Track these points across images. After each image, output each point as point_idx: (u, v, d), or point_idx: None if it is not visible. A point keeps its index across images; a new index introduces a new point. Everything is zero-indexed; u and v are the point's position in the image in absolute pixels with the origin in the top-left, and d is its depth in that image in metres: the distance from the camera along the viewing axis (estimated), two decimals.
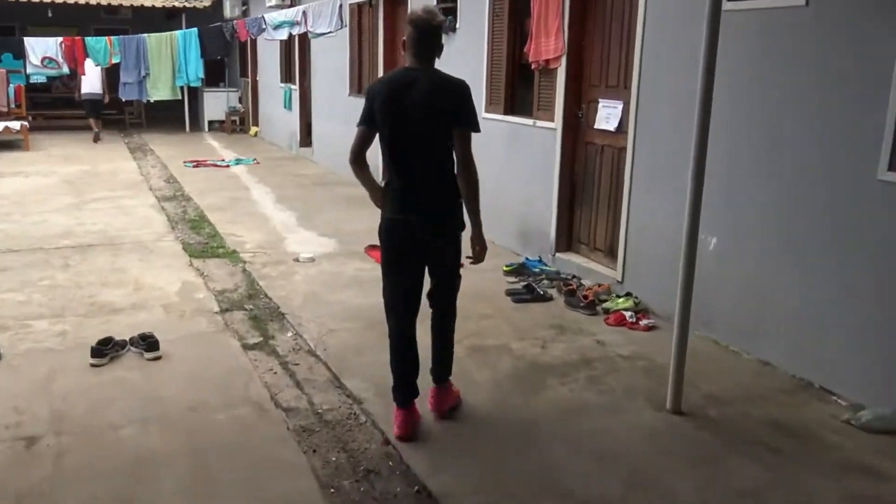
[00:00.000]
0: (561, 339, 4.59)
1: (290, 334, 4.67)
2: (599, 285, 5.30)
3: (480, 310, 5.04)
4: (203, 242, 6.84)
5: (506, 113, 6.56)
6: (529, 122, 6.14)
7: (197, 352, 4.36)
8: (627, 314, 4.79)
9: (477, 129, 3.24)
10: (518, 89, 6.54)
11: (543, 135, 5.96)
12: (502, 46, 6.50)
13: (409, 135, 3.19)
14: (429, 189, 3.23)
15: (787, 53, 4.00)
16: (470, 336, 4.51)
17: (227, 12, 14.61)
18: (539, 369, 4.15)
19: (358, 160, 3.32)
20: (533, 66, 5.98)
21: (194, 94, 16.34)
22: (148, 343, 4.21)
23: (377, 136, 3.27)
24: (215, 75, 17.01)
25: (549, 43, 5.75)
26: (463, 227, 3.34)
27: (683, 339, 3.52)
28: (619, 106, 5.31)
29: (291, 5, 10.90)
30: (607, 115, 5.45)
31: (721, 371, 4.13)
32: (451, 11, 7.31)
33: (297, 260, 6.24)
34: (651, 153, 4.91)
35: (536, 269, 5.87)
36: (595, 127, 5.57)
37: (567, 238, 5.99)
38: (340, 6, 9.13)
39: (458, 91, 3.20)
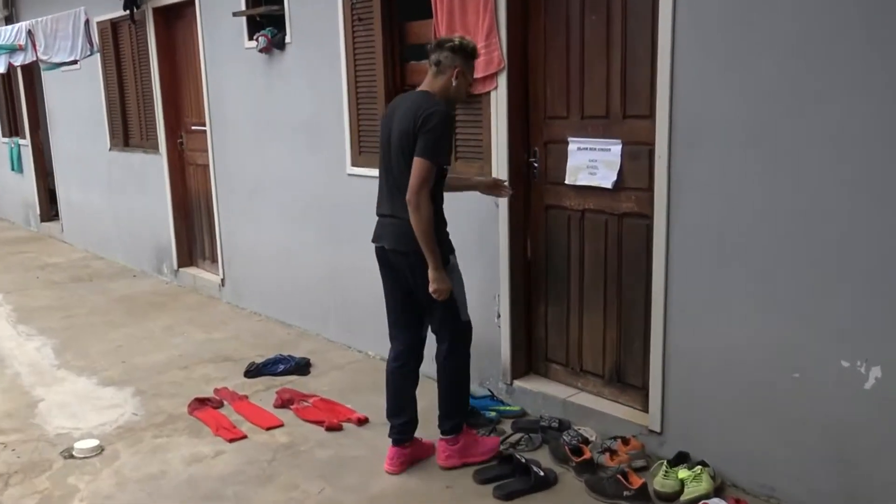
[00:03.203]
0: None
1: None
2: (624, 441, 3.23)
3: None
4: None
5: None
6: None
7: None
8: None
9: (432, 160, 2.90)
10: None
11: (470, 198, 3.77)
12: (373, 66, 4.26)
13: (385, 158, 3.10)
14: (398, 217, 3.02)
15: None
16: None
17: None
18: None
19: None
20: None
21: None
22: None
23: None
24: None
25: None
26: (447, 260, 3.06)
27: None
28: (616, 147, 3.31)
29: (8, 22, 7.71)
30: (591, 164, 3.42)
31: None
32: (274, 20, 4.93)
33: (70, 455, 3.49)
34: (704, 225, 2.94)
35: (492, 414, 3.67)
36: (566, 182, 3.52)
37: (526, 356, 3.87)
38: (87, 22, 6.31)
39: (420, 112, 2.93)
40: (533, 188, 3.71)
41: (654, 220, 3.09)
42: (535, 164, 3.66)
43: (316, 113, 4.72)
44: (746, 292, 2.86)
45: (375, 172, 4.34)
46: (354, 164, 4.50)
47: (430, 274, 2.97)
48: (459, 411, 3.26)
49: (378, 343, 4.57)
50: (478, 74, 3.59)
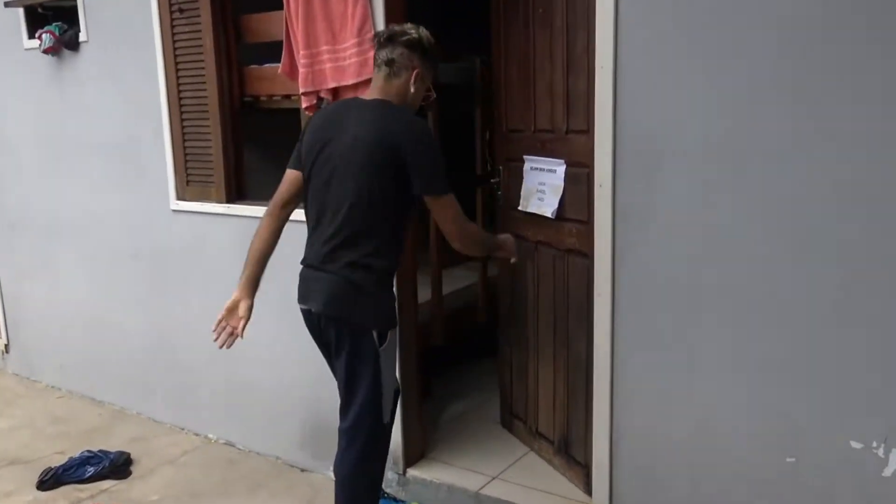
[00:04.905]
0: None
1: None
2: None
3: None
4: None
5: (229, 200, 3.38)
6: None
7: None
8: None
9: (447, 190, 2.21)
10: (253, 153, 3.43)
11: None
12: (201, 71, 3.30)
13: (320, 189, 2.29)
14: (330, 273, 2.25)
15: None
16: None
17: None
18: None
19: (271, 210, 2.43)
20: (304, 105, 2.95)
21: None
22: None
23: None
24: None
25: (341, 53, 2.80)
26: (385, 337, 2.28)
27: None
28: (560, 168, 2.63)
29: None
30: (540, 188, 2.74)
31: None
32: (63, 13, 3.82)
33: None
34: (665, 268, 2.31)
35: None
36: (520, 208, 2.86)
37: (422, 438, 3.08)
38: None
39: (398, 129, 2.17)
40: (497, 214, 3.10)
41: (596, 260, 2.42)
42: (498, 186, 3.02)
43: (126, 132, 3.67)
44: (723, 352, 2.25)
45: (207, 208, 3.45)
46: (181, 197, 3.50)
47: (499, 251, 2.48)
48: None
49: (221, 422, 3.60)
50: (348, 81, 2.79)
